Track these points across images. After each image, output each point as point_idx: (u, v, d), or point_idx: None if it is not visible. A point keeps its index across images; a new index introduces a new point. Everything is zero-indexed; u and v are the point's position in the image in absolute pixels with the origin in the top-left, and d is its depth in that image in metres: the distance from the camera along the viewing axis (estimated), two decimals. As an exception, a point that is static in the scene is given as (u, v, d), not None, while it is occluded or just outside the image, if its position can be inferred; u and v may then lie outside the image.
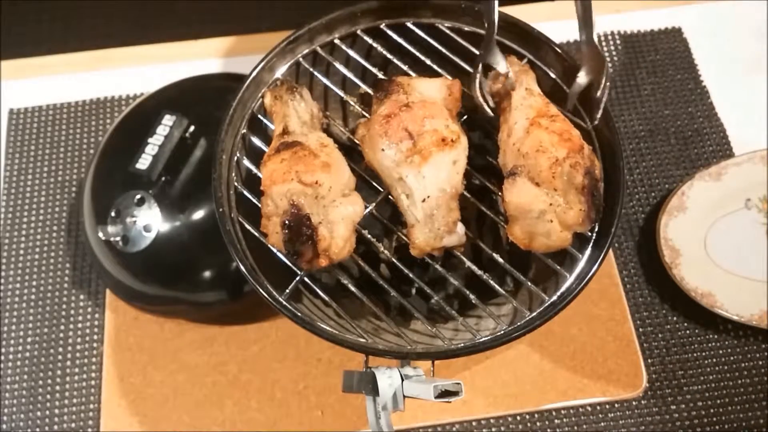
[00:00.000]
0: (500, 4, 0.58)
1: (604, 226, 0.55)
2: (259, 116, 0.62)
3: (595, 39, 0.56)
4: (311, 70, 0.63)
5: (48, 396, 0.71)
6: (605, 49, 0.89)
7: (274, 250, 0.55)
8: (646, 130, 0.84)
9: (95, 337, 0.73)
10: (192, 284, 0.69)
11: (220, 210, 0.56)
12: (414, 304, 0.64)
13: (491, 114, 0.57)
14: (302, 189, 0.51)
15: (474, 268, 0.56)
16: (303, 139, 0.55)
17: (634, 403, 0.69)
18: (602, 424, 0.69)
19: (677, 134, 0.83)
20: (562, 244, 0.52)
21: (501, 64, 0.57)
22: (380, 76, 0.60)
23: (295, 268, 0.55)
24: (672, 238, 0.73)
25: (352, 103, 0.62)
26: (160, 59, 0.89)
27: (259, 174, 0.55)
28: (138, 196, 0.67)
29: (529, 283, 0.55)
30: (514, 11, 0.61)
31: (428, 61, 0.61)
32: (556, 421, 0.69)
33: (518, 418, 0.69)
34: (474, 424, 0.69)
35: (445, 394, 0.47)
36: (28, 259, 0.77)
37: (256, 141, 0.60)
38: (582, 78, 0.56)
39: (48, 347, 0.73)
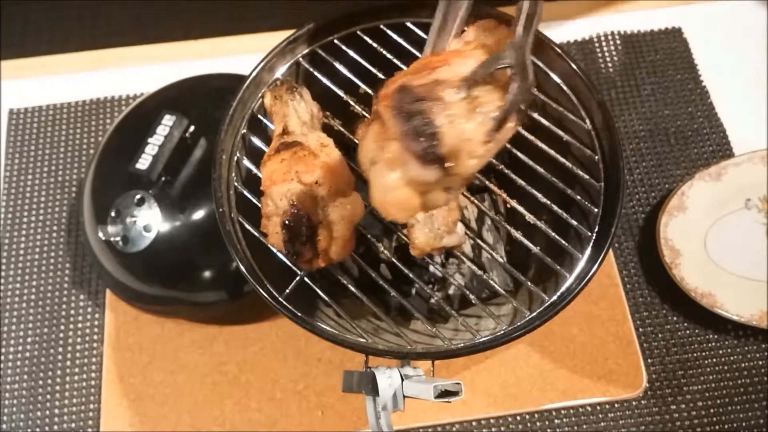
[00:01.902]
0: (500, 5, 0.58)
1: (604, 226, 0.55)
2: (259, 116, 0.62)
3: None
4: (311, 70, 0.63)
5: (48, 396, 0.71)
6: (605, 49, 0.89)
7: (274, 250, 0.55)
8: (646, 130, 0.84)
9: (95, 337, 0.73)
10: (192, 284, 0.69)
11: (220, 210, 0.56)
12: (414, 304, 0.64)
13: None
14: (302, 189, 0.51)
15: (474, 268, 0.57)
16: (303, 139, 0.55)
17: (634, 403, 0.69)
18: (602, 424, 0.69)
19: (677, 134, 0.83)
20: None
21: None
22: (380, 76, 0.60)
23: (295, 268, 0.55)
24: (672, 238, 0.73)
25: (352, 103, 0.62)
26: (160, 59, 0.89)
27: (259, 174, 0.55)
28: (138, 196, 0.67)
29: (529, 283, 0.55)
30: (514, 11, 0.61)
31: (428, 61, 0.61)
32: (556, 421, 0.69)
33: (518, 418, 0.69)
34: (474, 424, 0.69)
35: (445, 394, 0.47)
36: (28, 259, 0.77)
37: (256, 141, 0.60)
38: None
39: (48, 347, 0.73)
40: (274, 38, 0.63)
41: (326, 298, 0.55)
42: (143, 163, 0.67)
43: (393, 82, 0.43)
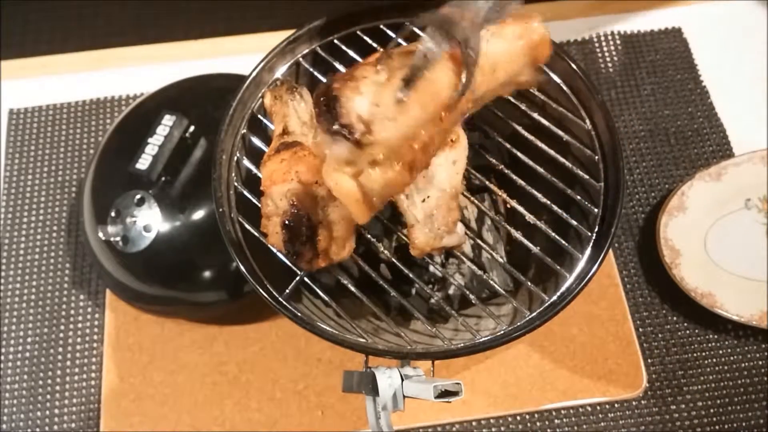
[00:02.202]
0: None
1: (603, 226, 0.55)
2: (259, 116, 0.62)
3: None
4: (311, 70, 0.63)
5: (48, 396, 0.71)
6: (605, 49, 0.89)
7: (274, 250, 0.55)
8: (646, 130, 0.84)
9: (95, 337, 0.73)
10: (192, 284, 0.69)
11: (220, 210, 0.56)
12: (414, 304, 0.64)
13: None
14: (302, 189, 0.51)
15: (474, 268, 0.57)
16: (303, 139, 0.55)
17: (634, 403, 0.69)
18: (602, 424, 0.69)
19: (677, 134, 0.83)
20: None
21: None
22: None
23: (295, 268, 0.55)
24: (672, 238, 0.73)
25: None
26: (160, 59, 0.89)
27: (259, 174, 0.55)
28: (138, 196, 0.67)
29: (529, 283, 0.55)
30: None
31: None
32: (556, 421, 0.69)
33: (518, 418, 0.69)
34: (474, 424, 0.69)
35: (445, 394, 0.47)
36: (28, 259, 0.77)
37: (256, 141, 0.60)
38: None
39: (48, 347, 0.73)
40: (274, 38, 0.63)
41: (326, 298, 0.55)
42: (143, 163, 0.67)
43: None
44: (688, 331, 0.73)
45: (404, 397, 0.49)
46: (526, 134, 0.59)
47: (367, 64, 0.44)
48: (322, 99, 0.41)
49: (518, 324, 0.53)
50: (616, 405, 0.69)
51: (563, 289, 0.53)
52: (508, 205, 0.59)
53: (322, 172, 0.43)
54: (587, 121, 0.58)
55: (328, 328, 0.53)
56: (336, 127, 0.40)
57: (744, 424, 0.68)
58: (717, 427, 0.68)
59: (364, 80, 0.41)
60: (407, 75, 0.41)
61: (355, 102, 0.40)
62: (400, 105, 0.41)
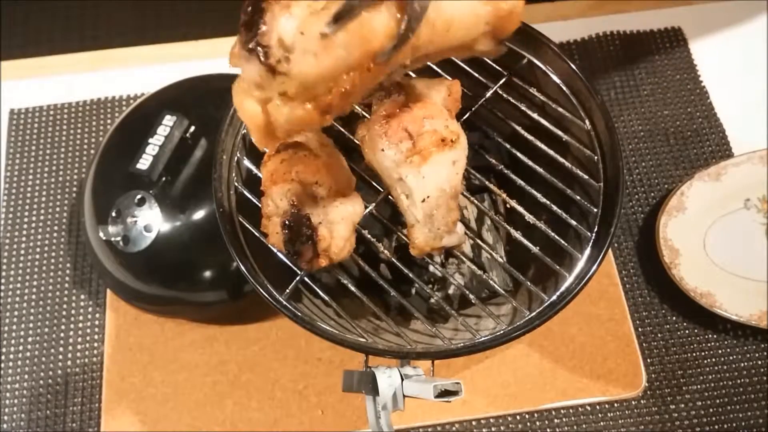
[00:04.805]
0: None
1: (603, 226, 0.55)
2: (260, 116, 0.62)
3: None
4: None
5: (48, 396, 0.71)
6: (605, 49, 0.89)
7: (274, 250, 0.55)
8: (645, 130, 0.84)
9: (96, 336, 0.74)
10: (192, 284, 0.69)
11: (220, 210, 0.57)
12: (414, 304, 0.65)
13: None
14: (302, 189, 0.51)
15: (474, 267, 0.57)
16: (303, 139, 0.55)
17: (633, 402, 0.70)
18: (601, 423, 0.69)
19: (676, 134, 0.83)
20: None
21: None
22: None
23: (295, 268, 0.55)
24: (671, 238, 0.73)
25: (352, 103, 0.62)
26: (161, 59, 0.89)
27: (259, 174, 0.55)
28: (138, 196, 0.67)
29: (529, 283, 0.55)
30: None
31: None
32: (555, 420, 0.69)
33: (518, 417, 0.69)
34: (474, 423, 0.69)
35: (444, 393, 0.47)
36: (29, 259, 0.77)
37: (257, 141, 0.60)
38: None
39: (49, 347, 0.73)
40: (274, 39, 0.63)
41: (326, 298, 0.55)
42: (144, 163, 0.67)
43: None
44: (687, 331, 0.73)
45: (404, 396, 0.49)
46: (526, 134, 0.59)
47: None
48: (248, 7, 0.36)
49: (518, 324, 0.53)
50: (615, 405, 0.69)
51: (563, 288, 0.53)
52: (508, 205, 0.59)
53: (232, 89, 0.40)
54: (587, 121, 0.58)
55: (328, 328, 0.53)
56: (252, 44, 0.36)
57: (743, 423, 0.69)
58: (716, 427, 0.69)
59: (297, 4, 0.36)
60: (340, 9, 0.36)
61: (281, 22, 0.36)
62: (325, 40, 0.36)
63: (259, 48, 0.36)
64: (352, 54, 0.37)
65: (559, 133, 0.59)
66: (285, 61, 0.36)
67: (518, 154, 0.59)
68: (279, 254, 0.55)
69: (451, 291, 0.68)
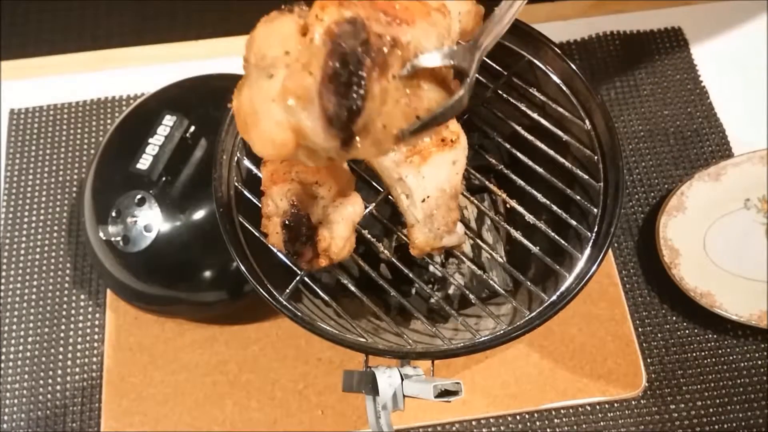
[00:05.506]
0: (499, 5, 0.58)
1: (603, 226, 0.55)
2: (260, 116, 0.62)
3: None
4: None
5: (48, 396, 0.71)
6: (605, 49, 0.89)
7: (274, 250, 0.55)
8: (645, 130, 0.84)
9: (96, 336, 0.74)
10: (192, 284, 0.69)
11: (221, 210, 0.57)
12: (414, 304, 0.65)
13: None
14: (302, 189, 0.51)
15: (474, 267, 0.57)
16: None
17: (633, 402, 0.70)
18: (601, 423, 0.69)
19: (676, 134, 0.83)
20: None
21: None
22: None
23: (295, 268, 0.55)
24: (671, 238, 0.73)
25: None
26: (161, 59, 0.89)
27: (259, 174, 0.55)
28: (138, 196, 0.67)
29: (529, 283, 0.55)
30: (513, 12, 0.61)
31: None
32: (555, 420, 0.69)
33: (518, 417, 0.69)
34: (474, 423, 0.69)
35: (444, 393, 0.47)
36: (29, 259, 0.77)
37: (257, 141, 0.60)
38: None
39: (49, 347, 0.73)
40: (274, 39, 0.63)
41: (326, 298, 0.55)
42: (144, 163, 0.67)
43: None
44: (687, 331, 0.73)
45: (404, 396, 0.49)
46: (526, 134, 0.59)
47: (404, 48, 0.34)
48: (343, 43, 0.32)
49: (518, 324, 0.53)
50: (615, 404, 0.69)
51: (563, 288, 0.53)
52: (508, 205, 0.59)
53: (261, 89, 0.35)
54: (587, 121, 0.58)
55: (328, 328, 0.53)
56: (341, 121, 0.32)
57: (743, 423, 0.69)
58: (716, 427, 0.69)
59: (392, 79, 0.33)
60: (425, 121, 0.35)
61: (373, 109, 0.33)
62: (396, 140, 0.35)
63: (344, 126, 0.33)
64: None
65: (559, 133, 0.59)
66: (357, 147, 0.34)
67: (518, 154, 0.59)
68: (279, 254, 0.55)
69: (451, 291, 0.68)
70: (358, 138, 0.33)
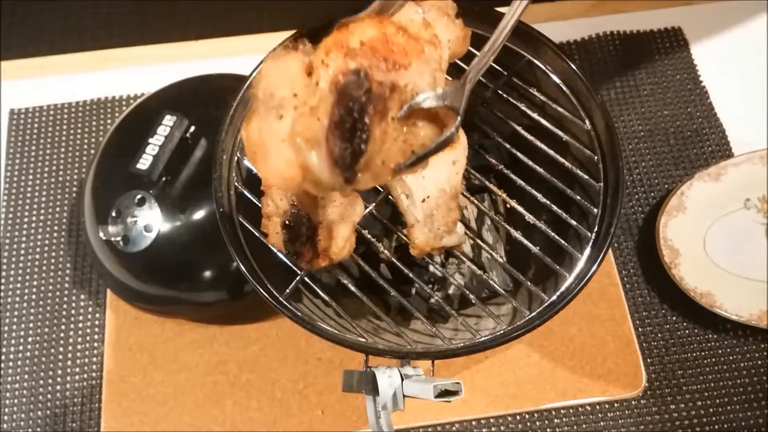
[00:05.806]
0: (499, 5, 0.58)
1: (603, 226, 0.55)
2: (260, 116, 0.62)
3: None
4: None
5: (48, 396, 0.71)
6: (605, 49, 0.89)
7: (275, 250, 0.55)
8: (645, 130, 0.84)
9: (96, 336, 0.74)
10: (192, 284, 0.69)
11: (221, 210, 0.57)
12: (414, 303, 0.65)
13: None
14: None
15: (474, 267, 0.57)
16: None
17: (633, 402, 0.70)
18: (601, 423, 0.69)
19: (676, 134, 0.83)
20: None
21: None
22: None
23: (295, 268, 0.55)
24: (671, 238, 0.73)
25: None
26: (161, 59, 0.89)
27: (260, 174, 0.55)
28: (139, 196, 0.67)
29: (529, 283, 0.55)
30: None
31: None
32: (555, 420, 0.69)
33: (518, 417, 0.69)
34: (474, 423, 0.69)
35: (444, 393, 0.47)
36: (29, 259, 0.77)
37: (257, 141, 0.60)
38: None
39: (48, 347, 0.73)
40: (274, 39, 0.63)
41: (326, 298, 0.55)
42: (144, 163, 0.67)
43: (350, 33, 0.37)
44: (687, 331, 0.73)
45: (404, 396, 0.49)
46: (526, 134, 0.59)
47: (401, 91, 0.37)
48: (349, 94, 0.35)
49: (518, 324, 0.53)
50: (615, 404, 0.69)
51: (563, 288, 0.53)
52: (508, 205, 0.59)
53: (270, 129, 0.37)
54: (587, 121, 0.58)
55: (328, 328, 0.53)
56: (347, 163, 0.36)
57: (743, 423, 0.69)
58: (716, 427, 0.69)
59: (390, 121, 0.36)
60: (419, 155, 0.38)
61: (374, 150, 0.36)
62: (393, 173, 0.38)
63: (348, 166, 0.36)
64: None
65: (559, 133, 0.59)
66: (358, 181, 0.37)
67: (518, 154, 0.59)
68: (279, 254, 0.55)
69: (451, 291, 0.68)
70: (359, 174, 0.37)
